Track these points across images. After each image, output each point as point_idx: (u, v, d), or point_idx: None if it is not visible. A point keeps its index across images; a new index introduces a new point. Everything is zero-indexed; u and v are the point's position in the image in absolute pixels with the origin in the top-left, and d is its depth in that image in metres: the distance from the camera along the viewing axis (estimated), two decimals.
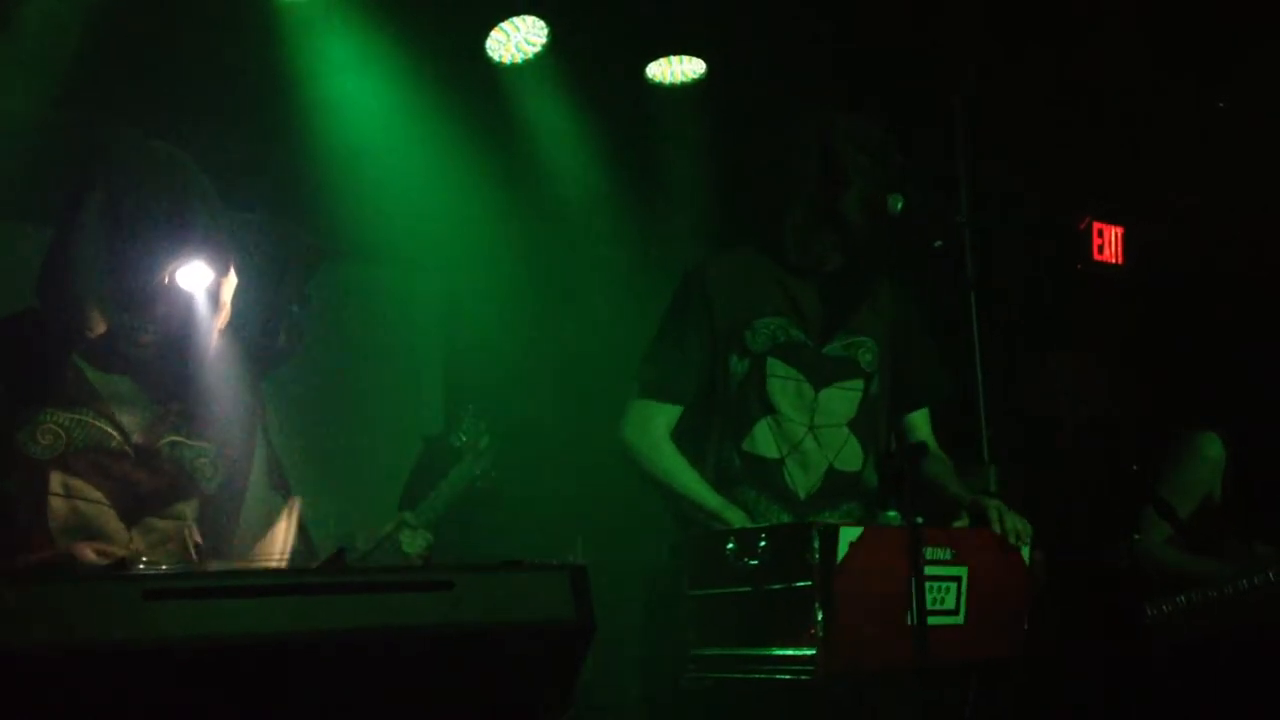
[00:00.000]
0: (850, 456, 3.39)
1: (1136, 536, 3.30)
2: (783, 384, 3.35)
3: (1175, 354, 5.07)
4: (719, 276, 3.42)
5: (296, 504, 2.86)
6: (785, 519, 3.29)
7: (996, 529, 3.04)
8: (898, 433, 3.56)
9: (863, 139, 3.36)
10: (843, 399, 3.40)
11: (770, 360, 3.35)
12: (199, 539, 2.66)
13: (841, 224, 3.35)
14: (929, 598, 2.74)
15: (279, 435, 3.05)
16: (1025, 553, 3.05)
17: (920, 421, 3.57)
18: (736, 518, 3.18)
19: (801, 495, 3.33)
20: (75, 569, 2.36)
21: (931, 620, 2.66)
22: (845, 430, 3.39)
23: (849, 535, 2.71)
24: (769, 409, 3.34)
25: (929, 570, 2.74)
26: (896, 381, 3.53)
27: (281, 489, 2.99)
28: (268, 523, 2.94)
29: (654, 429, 3.34)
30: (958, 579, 2.89)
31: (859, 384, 3.42)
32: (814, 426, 3.36)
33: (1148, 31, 4.84)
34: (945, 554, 2.87)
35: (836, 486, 3.36)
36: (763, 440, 3.34)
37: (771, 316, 3.38)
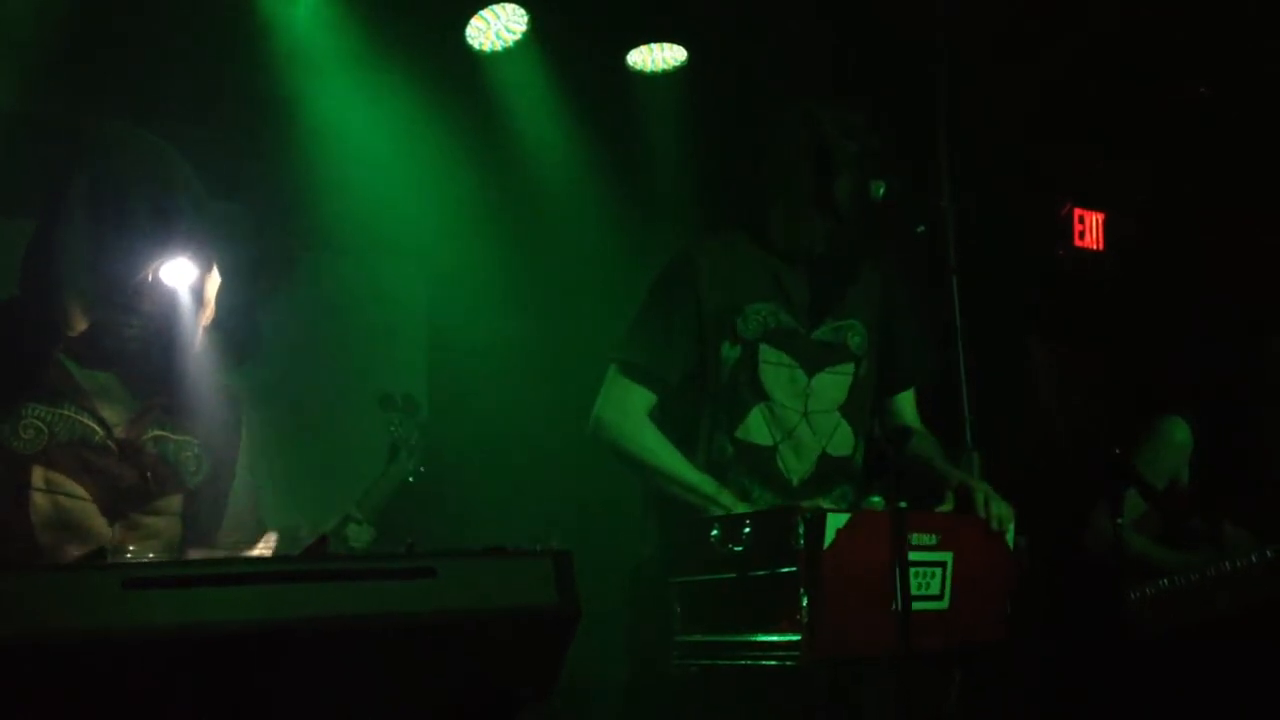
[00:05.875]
0: (842, 441, 3.38)
1: (1120, 520, 3.31)
2: (775, 370, 3.33)
3: (1148, 339, 5.10)
4: (708, 262, 3.38)
5: (273, 538, 2.87)
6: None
7: (981, 513, 3.05)
8: (882, 415, 3.56)
9: (850, 127, 3.35)
10: (835, 384, 3.39)
11: (762, 347, 3.32)
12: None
13: (831, 211, 3.33)
14: (915, 583, 2.74)
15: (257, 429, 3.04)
16: (1009, 537, 3.06)
17: (905, 403, 3.57)
18: (731, 501, 3.16)
19: (794, 482, 3.31)
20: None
21: (916, 606, 2.67)
22: (837, 415, 3.38)
23: (836, 521, 2.71)
24: (762, 396, 3.32)
25: (914, 556, 2.74)
26: (883, 363, 3.51)
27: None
28: (253, 516, 2.94)
29: (633, 409, 3.31)
30: (943, 564, 2.89)
31: (849, 368, 3.41)
32: (807, 412, 3.35)
33: (1131, 18, 4.85)
34: (930, 539, 2.87)
35: (828, 471, 3.35)
36: (756, 428, 3.32)
37: (761, 302, 3.35)
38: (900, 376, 3.56)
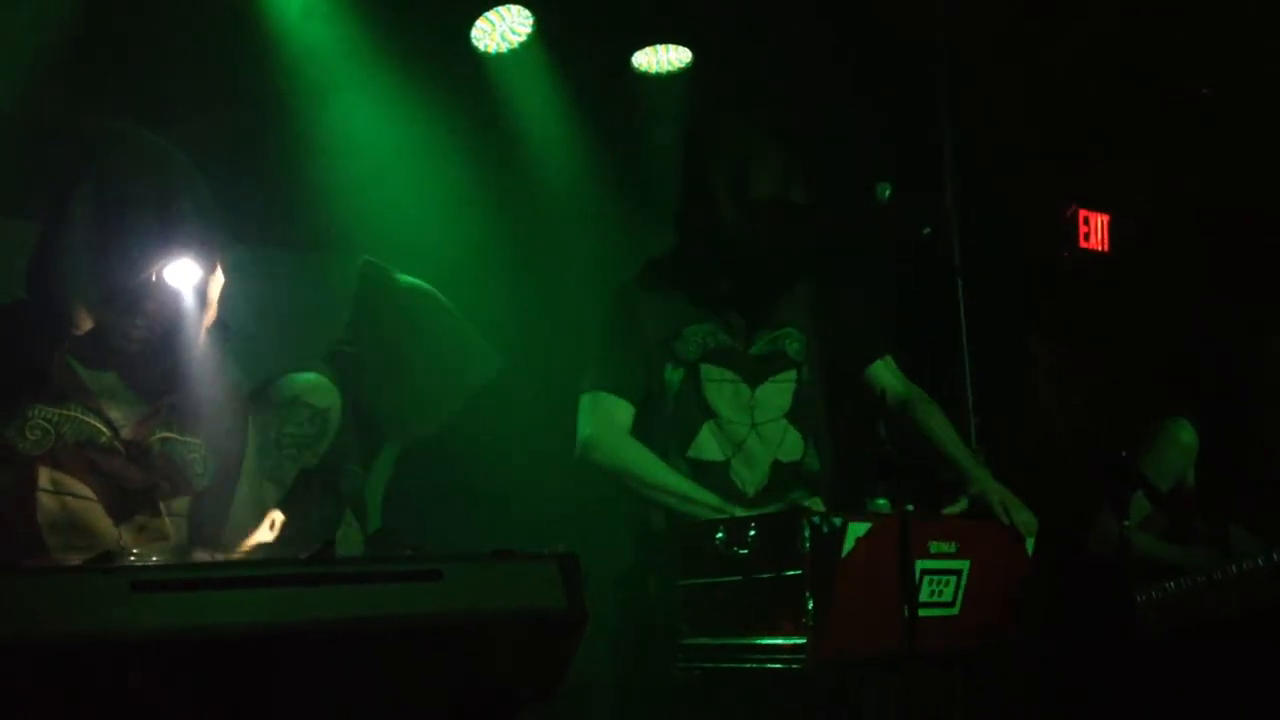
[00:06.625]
0: (791, 447, 3.45)
1: (1126, 523, 3.31)
2: (719, 386, 3.40)
3: (1153, 340, 5.10)
4: (642, 293, 3.46)
5: (279, 515, 2.87)
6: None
7: (1003, 520, 3.05)
8: (866, 390, 3.58)
9: (763, 156, 3.35)
10: (778, 392, 3.45)
11: (704, 366, 3.40)
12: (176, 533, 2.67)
13: (716, 234, 3.35)
14: (928, 590, 2.75)
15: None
16: (1029, 545, 3.07)
17: (883, 370, 3.59)
18: (733, 511, 3.17)
19: (750, 492, 3.36)
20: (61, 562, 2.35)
21: (926, 612, 2.67)
22: (784, 422, 3.45)
23: (857, 530, 2.71)
24: (710, 413, 3.39)
25: (932, 564, 2.75)
26: (842, 343, 3.57)
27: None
28: (258, 517, 2.94)
29: (617, 424, 3.36)
30: (959, 572, 2.89)
31: (791, 375, 3.48)
32: (755, 424, 3.41)
33: (1131, 18, 4.85)
34: (950, 548, 2.87)
35: (782, 478, 3.40)
36: (707, 445, 3.38)
37: (698, 324, 3.42)
38: (865, 348, 3.59)
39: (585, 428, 3.37)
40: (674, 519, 3.27)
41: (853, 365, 3.58)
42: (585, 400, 3.39)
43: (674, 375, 3.40)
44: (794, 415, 3.46)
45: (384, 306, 4.06)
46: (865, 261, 4.18)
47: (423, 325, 4.09)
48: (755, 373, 3.43)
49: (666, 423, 3.40)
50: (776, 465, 3.41)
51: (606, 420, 3.35)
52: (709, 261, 3.41)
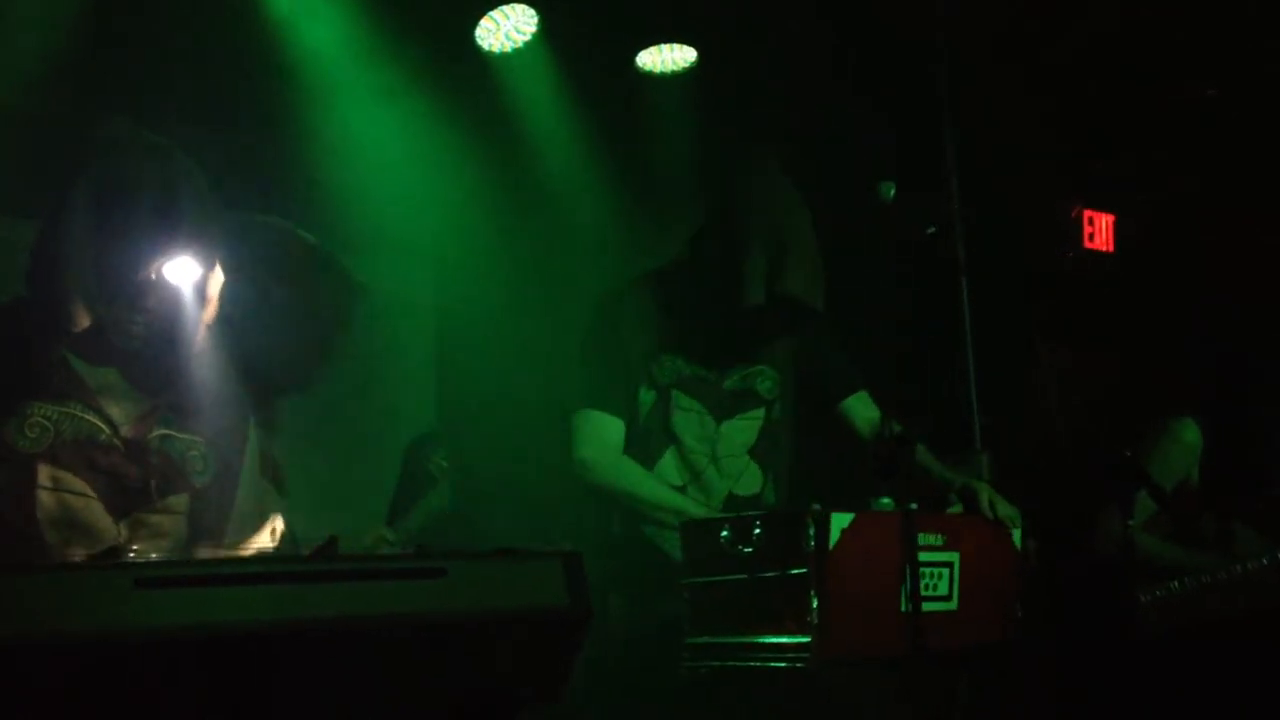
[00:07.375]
0: (749, 481, 3.51)
1: (1131, 523, 3.31)
2: (686, 416, 3.45)
3: (1156, 340, 5.10)
4: (628, 308, 3.48)
5: (280, 522, 2.87)
6: None
7: (988, 514, 3.07)
8: (843, 422, 3.61)
9: (775, 215, 3.33)
10: (744, 428, 3.51)
11: (675, 393, 3.45)
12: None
13: (732, 303, 3.32)
14: (923, 583, 2.74)
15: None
16: (1016, 538, 3.08)
17: (856, 404, 3.62)
18: None
19: None
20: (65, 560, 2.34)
21: (926, 606, 2.67)
22: (746, 457, 3.51)
23: (841, 521, 2.73)
24: (673, 440, 3.44)
25: (921, 556, 2.75)
26: (819, 380, 3.62)
27: (275, 482, 2.99)
28: (260, 516, 2.93)
29: (610, 443, 3.39)
30: (950, 565, 2.91)
31: (759, 413, 3.53)
32: (716, 457, 3.47)
33: (1131, 18, 4.85)
34: (937, 540, 2.89)
35: (734, 509, 3.43)
36: (667, 469, 3.44)
37: (674, 351, 3.46)
38: (840, 383, 3.63)
39: (580, 448, 3.39)
40: (633, 527, 3.36)
41: (827, 400, 3.62)
42: (576, 419, 3.42)
43: (647, 397, 3.44)
44: (757, 451, 3.52)
45: (242, 252, 4.02)
46: (866, 262, 4.16)
47: (280, 260, 4.04)
48: (724, 407, 3.48)
49: (633, 442, 3.43)
50: (731, 497, 3.47)
51: (600, 440, 3.38)
52: (707, 310, 3.42)
